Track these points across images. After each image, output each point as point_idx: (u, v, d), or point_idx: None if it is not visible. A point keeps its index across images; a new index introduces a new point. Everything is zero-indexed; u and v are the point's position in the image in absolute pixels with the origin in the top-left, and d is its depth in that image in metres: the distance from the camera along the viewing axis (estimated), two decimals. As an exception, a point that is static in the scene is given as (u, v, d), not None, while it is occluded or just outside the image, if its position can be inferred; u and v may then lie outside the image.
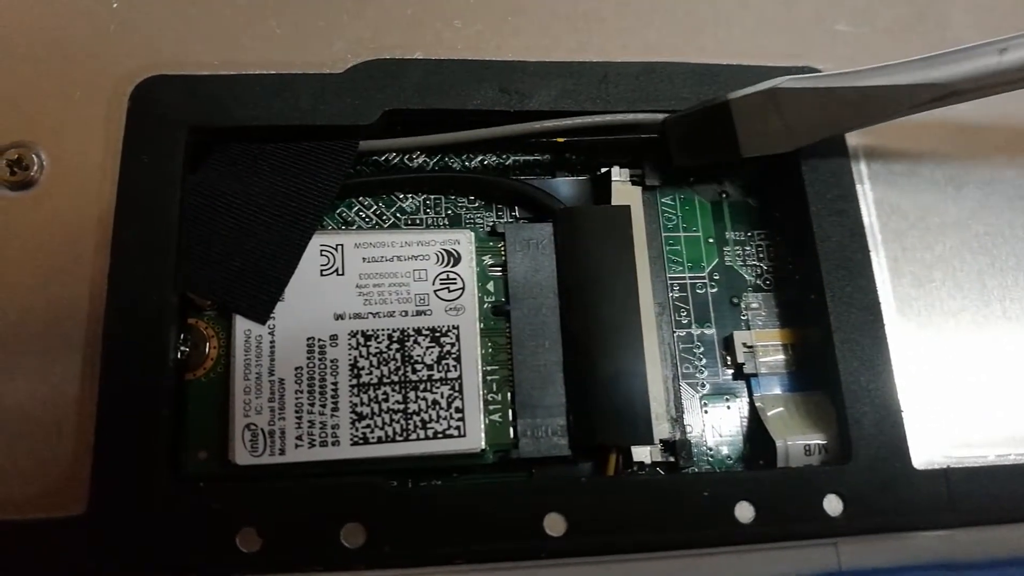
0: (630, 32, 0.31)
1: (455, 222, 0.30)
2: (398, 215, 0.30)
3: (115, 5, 0.29)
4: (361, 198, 0.30)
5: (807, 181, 0.29)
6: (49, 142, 0.28)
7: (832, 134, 0.28)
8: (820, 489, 0.26)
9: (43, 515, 0.24)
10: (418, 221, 0.30)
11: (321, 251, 0.28)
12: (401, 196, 0.30)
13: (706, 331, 0.30)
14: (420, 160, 0.31)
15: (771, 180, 0.31)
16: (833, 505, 0.26)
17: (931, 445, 0.28)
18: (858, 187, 0.30)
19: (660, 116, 0.29)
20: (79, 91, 0.28)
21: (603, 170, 0.31)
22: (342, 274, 0.28)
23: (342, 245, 0.28)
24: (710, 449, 0.29)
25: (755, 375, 0.30)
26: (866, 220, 0.29)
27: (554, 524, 0.25)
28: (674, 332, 0.30)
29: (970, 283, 0.30)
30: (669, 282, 0.31)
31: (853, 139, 0.30)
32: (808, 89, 0.27)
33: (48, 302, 0.26)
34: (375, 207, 0.30)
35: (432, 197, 0.31)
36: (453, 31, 0.30)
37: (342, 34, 0.30)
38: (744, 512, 0.26)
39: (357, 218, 0.30)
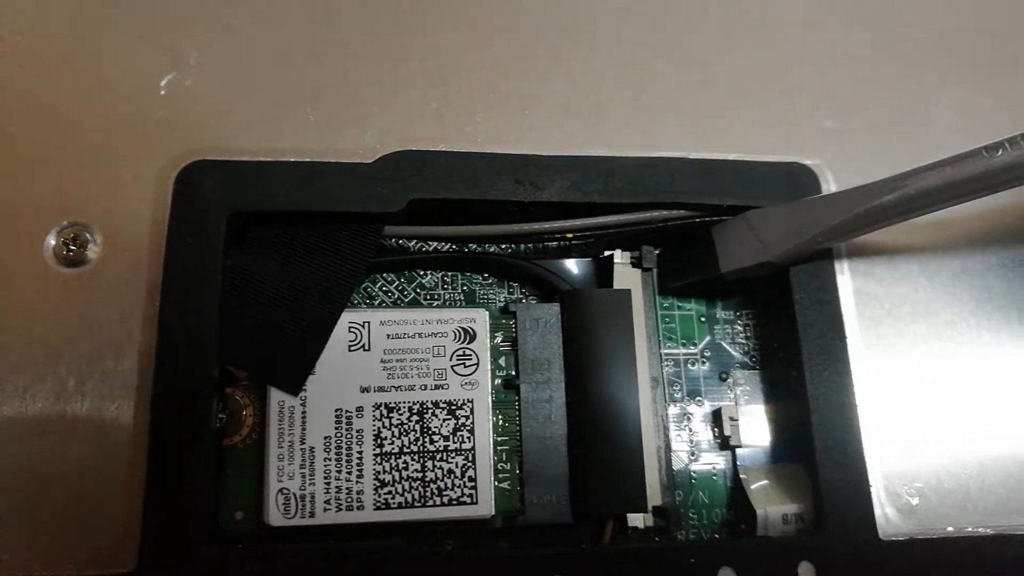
0: (635, 127, 0.33)
1: (470, 298, 0.33)
2: (418, 290, 0.33)
3: (163, 92, 0.32)
4: (384, 274, 0.33)
5: (792, 271, 0.32)
6: (102, 222, 0.30)
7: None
8: (795, 557, 0.29)
9: (97, 572, 0.27)
10: (436, 296, 0.33)
11: (349, 328, 0.31)
12: (421, 272, 0.33)
13: (697, 405, 0.33)
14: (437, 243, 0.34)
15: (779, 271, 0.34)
16: (807, 571, 0.29)
17: (897, 518, 0.30)
18: (838, 277, 0.32)
19: (656, 214, 0.32)
20: (129, 174, 0.31)
21: (606, 253, 0.33)
22: (368, 349, 0.30)
23: (368, 322, 0.31)
24: (698, 514, 0.32)
25: (740, 446, 0.32)
26: (844, 308, 0.32)
27: (557, 588, 0.28)
28: (667, 405, 0.33)
29: (938, 367, 0.32)
30: (664, 358, 0.33)
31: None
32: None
33: (102, 374, 0.29)
34: (397, 282, 0.33)
35: (449, 274, 0.33)
36: (474, 125, 0.32)
37: (372, 125, 0.32)
38: (727, 578, 0.29)
39: (380, 293, 0.33)
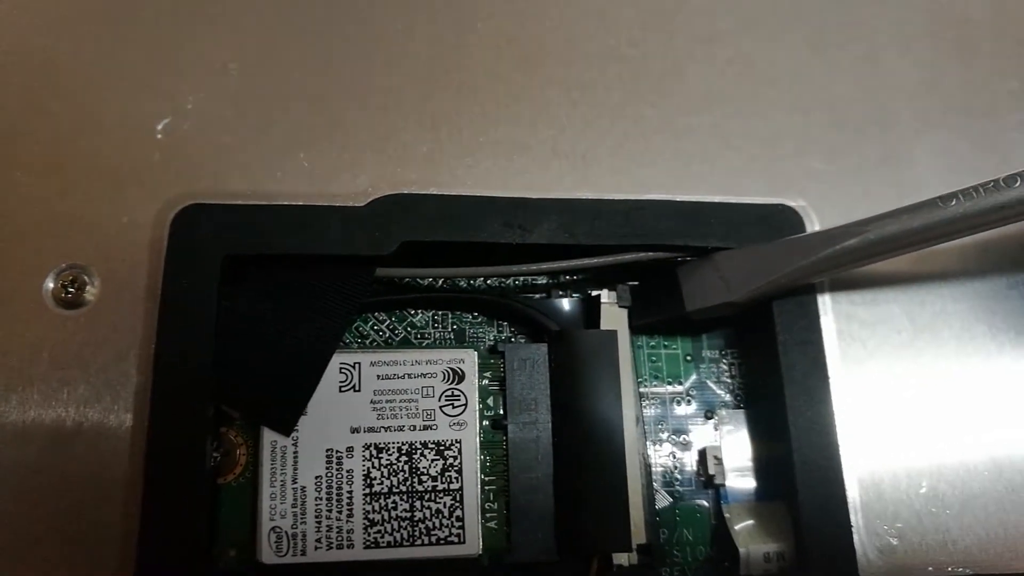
0: (622, 171, 0.34)
1: (459, 336, 0.34)
2: (408, 329, 0.34)
3: (159, 136, 0.32)
4: (376, 313, 0.34)
5: (776, 312, 0.33)
6: (100, 264, 0.31)
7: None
8: (776, 596, 0.30)
9: (92, 609, 0.28)
10: (427, 335, 0.34)
11: (340, 368, 0.31)
12: (412, 312, 0.34)
13: (681, 443, 0.34)
14: (429, 279, 0.34)
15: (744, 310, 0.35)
16: (788, 609, 0.30)
17: (878, 558, 0.31)
18: (822, 318, 0.33)
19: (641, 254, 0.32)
20: (126, 216, 0.31)
21: (593, 292, 0.34)
22: (358, 390, 0.31)
23: (359, 363, 0.31)
24: (682, 552, 0.33)
25: (723, 485, 0.33)
26: (828, 349, 0.33)
27: (541, 628, 0.28)
28: (652, 444, 0.33)
29: (920, 407, 0.33)
30: (650, 396, 0.34)
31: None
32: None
33: (99, 413, 0.29)
34: (388, 321, 0.34)
35: (439, 313, 0.34)
36: (464, 168, 0.33)
37: (365, 169, 0.33)
38: (708, 617, 0.29)
39: (372, 332, 0.33)
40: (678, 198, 0.34)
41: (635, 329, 0.34)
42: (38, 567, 0.28)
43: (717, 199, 0.34)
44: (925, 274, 0.35)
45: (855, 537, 0.31)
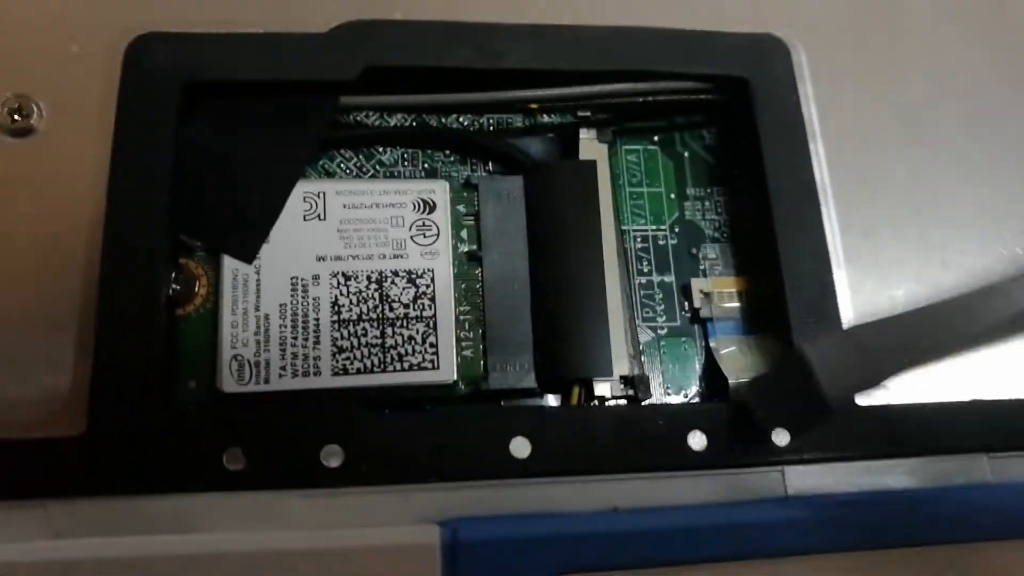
0: (601, -4, 0.33)
1: (431, 174, 0.32)
2: (377, 167, 0.32)
3: (111, -37, 0.31)
4: (342, 151, 0.32)
5: (763, 139, 0.31)
6: (48, 93, 0.29)
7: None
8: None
9: (46, 435, 0.26)
10: (396, 173, 0.32)
11: (304, 198, 0.30)
12: (380, 149, 0.32)
13: (665, 279, 0.32)
14: (399, 116, 0.33)
15: (730, 140, 0.33)
16: (780, 437, 0.28)
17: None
18: (811, 146, 0.32)
19: (623, 86, 0.31)
20: (76, 45, 0.30)
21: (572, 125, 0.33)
22: (324, 219, 0.30)
23: (324, 192, 0.30)
24: (667, 386, 0.31)
25: (710, 319, 0.31)
26: (818, 177, 0.31)
27: (519, 447, 0.27)
28: (635, 279, 0.32)
29: (912, 237, 0.32)
30: (632, 234, 0.32)
31: (806, 98, 0.32)
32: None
33: (49, 242, 0.28)
34: (355, 159, 0.32)
35: (409, 151, 0.32)
36: (431, -7, 0.32)
37: (327, -5, 0.31)
38: (697, 440, 0.28)
39: (338, 169, 0.32)
40: (660, 25, 0.32)
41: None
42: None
43: (700, 27, 0.32)
44: (921, 99, 0.33)
45: (850, 364, 0.29)
